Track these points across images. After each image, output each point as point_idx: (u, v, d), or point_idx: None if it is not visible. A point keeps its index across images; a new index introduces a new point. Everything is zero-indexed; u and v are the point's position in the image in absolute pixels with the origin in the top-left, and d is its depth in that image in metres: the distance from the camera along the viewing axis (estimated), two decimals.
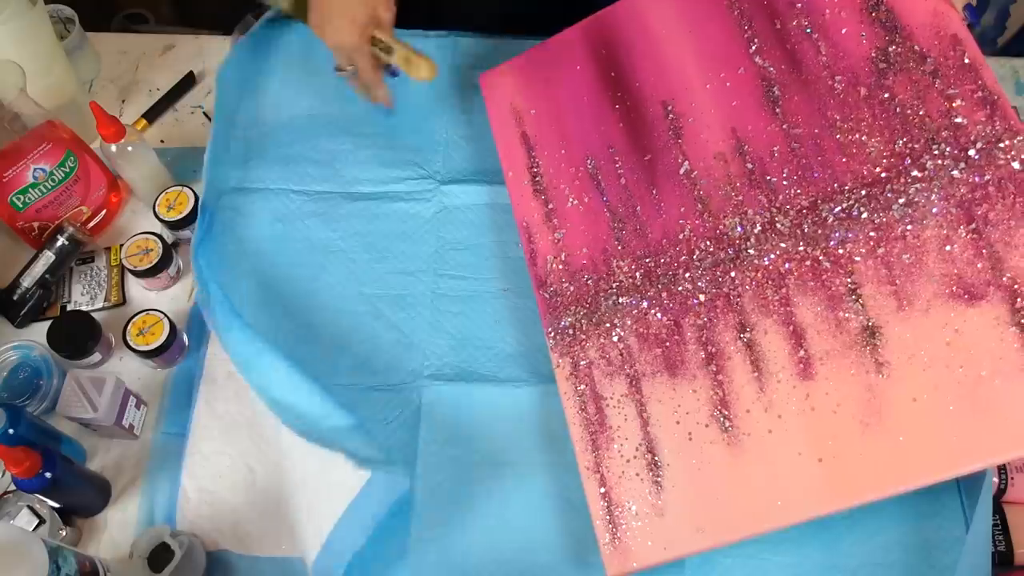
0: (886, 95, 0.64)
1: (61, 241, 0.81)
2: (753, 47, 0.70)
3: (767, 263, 0.65)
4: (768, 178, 0.67)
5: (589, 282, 0.73)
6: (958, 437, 0.56)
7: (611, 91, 0.76)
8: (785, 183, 0.66)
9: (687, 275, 0.68)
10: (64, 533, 0.68)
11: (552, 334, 0.73)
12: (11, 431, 0.66)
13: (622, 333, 0.70)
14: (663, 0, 0.75)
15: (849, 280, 0.62)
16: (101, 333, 0.77)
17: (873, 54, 0.65)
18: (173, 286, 0.83)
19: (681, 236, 0.69)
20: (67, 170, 0.81)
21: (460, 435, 0.73)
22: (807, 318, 0.63)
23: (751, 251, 0.66)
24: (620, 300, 0.70)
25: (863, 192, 0.63)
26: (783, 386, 0.62)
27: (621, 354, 0.69)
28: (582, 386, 0.70)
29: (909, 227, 0.61)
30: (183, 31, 1.08)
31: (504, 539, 0.70)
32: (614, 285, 0.71)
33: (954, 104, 0.62)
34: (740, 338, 0.65)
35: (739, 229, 0.67)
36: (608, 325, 0.70)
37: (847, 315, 0.62)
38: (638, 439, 0.66)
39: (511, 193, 0.80)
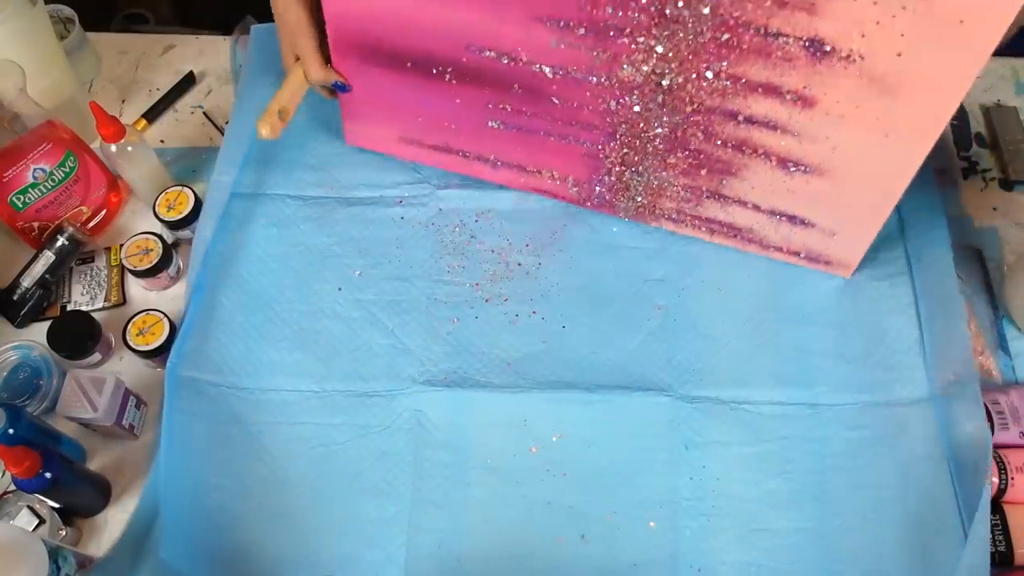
0: None
1: (61, 241, 0.81)
2: None
3: (684, 82, 0.65)
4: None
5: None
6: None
7: (430, 70, 0.72)
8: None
9: (644, 126, 0.69)
10: (64, 533, 0.68)
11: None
12: (11, 431, 0.66)
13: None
14: None
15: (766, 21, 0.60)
16: (101, 333, 0.77)
17: None
18: (173, 286, 0.83)
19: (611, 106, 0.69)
20: (67, 170, 0.81)
21: (454, 441, 0.73)
22: (765, 76, 0.63)
23: (667, 71, 0.65)
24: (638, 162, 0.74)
25: None
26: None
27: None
28: None
29: None
30: (183, 31, 1.08)
31: (499, 544, 0.70)
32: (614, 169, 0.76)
33: None
34: (739, 124, 0.67)
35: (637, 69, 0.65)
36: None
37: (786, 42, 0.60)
38: None
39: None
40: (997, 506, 0.68)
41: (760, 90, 0.64)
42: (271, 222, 0.84)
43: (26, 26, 0.81)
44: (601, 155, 0.75)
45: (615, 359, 0.76)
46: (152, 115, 0.93)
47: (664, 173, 0.74)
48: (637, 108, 0.69)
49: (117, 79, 0.97)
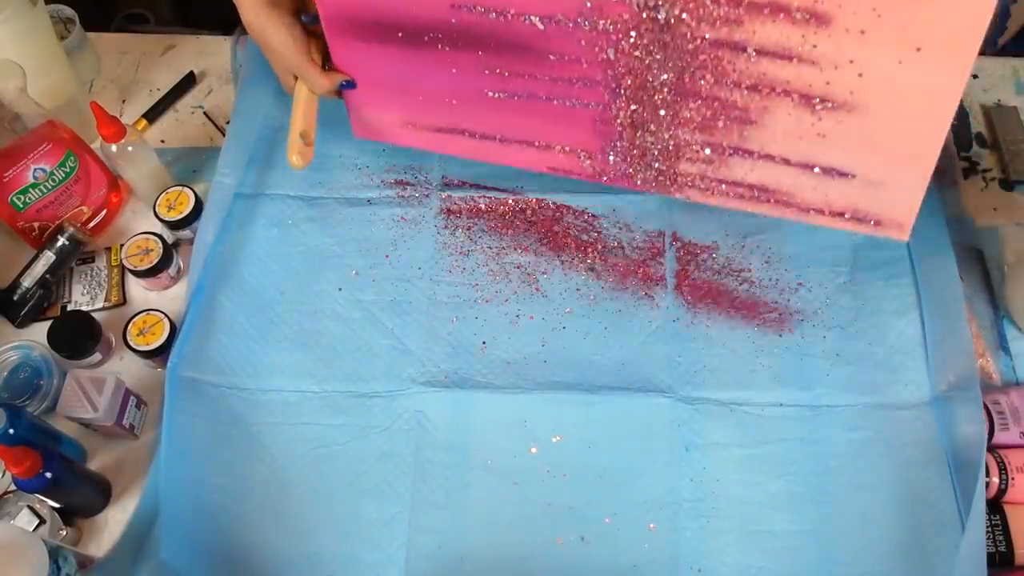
0: None
1: (61, 241, 0.81)
2: None
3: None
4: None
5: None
6: None
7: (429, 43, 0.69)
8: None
9: (648, 75, 0.65)
10: (64, 533, 0.68)
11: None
12: (11, 431, 0.66)
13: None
14: None
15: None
16: (101, 333, 0.77)
17: None
18: (173, 286, 0.83)
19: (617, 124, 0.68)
20: (67, 170, 0.81)
21: (455, 442, 0.73)
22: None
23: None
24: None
25: None
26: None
27: None
28: None
29: None
30: (183, 31, 1.07)
31: (499, 545, 0.70)
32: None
33: None
34: (750, 58, 0.61)
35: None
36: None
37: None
38: None
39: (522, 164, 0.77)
40: (997, 506, 0.68)
41: (767, 10, 0.57)
42: (272, 222, 0.84)
43: (26, 26, 0.81)
44: (609, 117, 0.69)
45: (615, 360, 0.76)
46: (152, 115, 0.93)
47: (679, 131, 0.67)
48: (637, 53, 0.64)
49: (117, 79, 0.97)
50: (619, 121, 0.69)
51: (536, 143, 0.74)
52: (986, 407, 0.71)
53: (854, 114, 0.61)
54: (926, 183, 0.64)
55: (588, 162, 0.74)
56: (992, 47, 1.00)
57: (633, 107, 0.67)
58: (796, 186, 0.68)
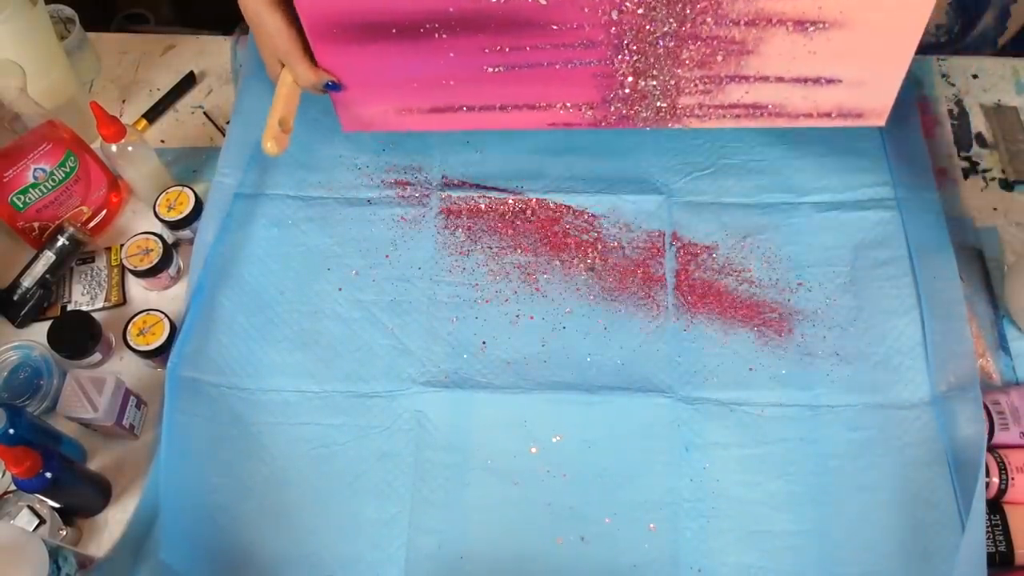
0: None
1: (61, 241, 0.81)
2: None
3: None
4: None
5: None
6: None
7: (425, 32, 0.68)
8: None
9: (651, 28, 0.66)
10: (64, 533, 0.68)
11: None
12: (11, 431, 0.66)
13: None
14: None
15: None
16: (101, 333, 0.77)
17: None
18: (173, 286, 0.83)
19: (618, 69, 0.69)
20: (67, 170, 0.81)
21: (455, 442, 0.73)
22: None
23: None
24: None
25: None
26: None
27: None
28: None
29: None
30: (183, 31, 1.08)
31: (499, 545, 0.70)
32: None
33: None
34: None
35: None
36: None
37: None
38: None
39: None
40: (997, 506, 0.68)
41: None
42: (272, 222, 0.84)
43: (26, 26, 0.81)
44: (610, 71, 0.70)
45: (615, 360, 0.76)
46: (152, 115, 0.93)
47: (679, 71, 0.70)
48: (640, 11, 0.65)
49: (117, 79, 0.97)
50: (620, 73, 0.71)
51: (537, 105, 0.75)
52: (986, 407, 0.71)
53: (843, 30, 0.66)
54: (904, 73, 0.69)
55: (590, 112, 0.75)
56: (992, 47, 1.00)
57: (635, 58, 0.69)
58: (788, 98, 0.72)
